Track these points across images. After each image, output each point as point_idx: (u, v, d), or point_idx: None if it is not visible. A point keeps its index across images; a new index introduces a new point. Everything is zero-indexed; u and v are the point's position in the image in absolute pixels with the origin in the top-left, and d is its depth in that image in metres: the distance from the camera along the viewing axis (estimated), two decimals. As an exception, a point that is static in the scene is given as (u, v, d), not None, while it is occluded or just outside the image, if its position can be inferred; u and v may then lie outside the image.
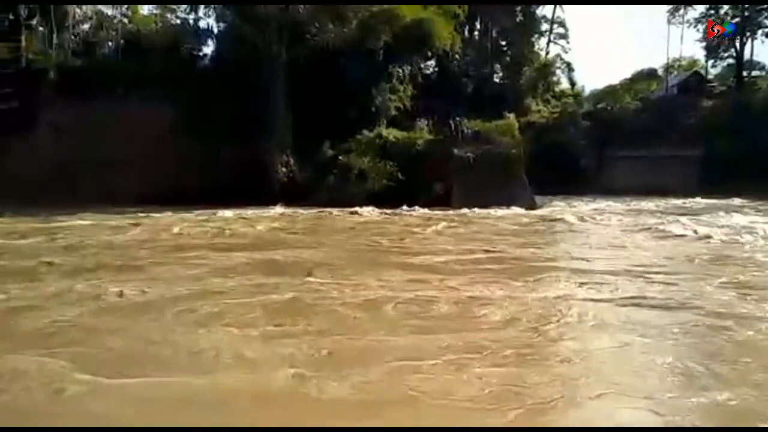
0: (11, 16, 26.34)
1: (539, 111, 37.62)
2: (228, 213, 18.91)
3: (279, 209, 21.08)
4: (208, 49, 28.51)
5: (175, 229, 14.30)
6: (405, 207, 21.21)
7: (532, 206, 22.49)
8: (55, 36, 27.20)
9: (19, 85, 24.92)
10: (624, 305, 6.08)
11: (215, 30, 27.99)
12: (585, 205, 24.41)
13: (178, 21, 28.78)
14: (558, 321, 5.49)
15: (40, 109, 25.07)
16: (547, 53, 41.44)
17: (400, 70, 29.05)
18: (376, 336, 5.04)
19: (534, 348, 4.75)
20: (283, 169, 25.01)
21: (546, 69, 40.50)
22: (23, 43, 25.75)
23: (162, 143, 23.94)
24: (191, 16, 28.37)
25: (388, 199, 22.79)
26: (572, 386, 3.88)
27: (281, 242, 12.28)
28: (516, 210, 20.95)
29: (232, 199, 22.03)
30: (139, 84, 25.24)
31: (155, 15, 29.46)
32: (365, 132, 26.47)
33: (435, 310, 5.83)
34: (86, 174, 23.93)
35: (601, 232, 14.60)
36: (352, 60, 26.24)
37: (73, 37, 28.30)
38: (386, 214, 19.69)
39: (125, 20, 29.57)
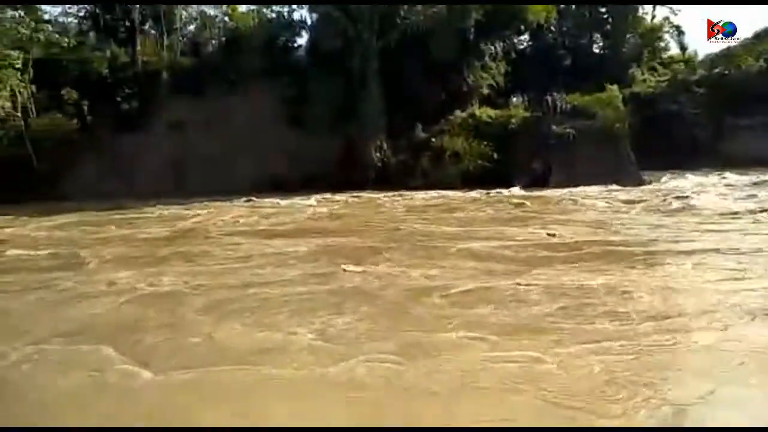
0: (127, 23, 29.08)
1: (645, 80, 35.36)
2: (329, 197, 20.06)
3: (371, 194, 21.87)
4: (302, 40, 29.79)
5: (276, 217, 15.57)
6: (500, 189, 21.03)
7: (639, 182, 21.58)
8: (165, 38, 29.75)
9: (138, 86, 27.55)
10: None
11: (308, 21, 29.13)
12: (703, 178, 22.80)
13: (274, 15, 30.26)
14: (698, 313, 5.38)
15: (155, 107, 27.57)
16: (653, 17, 38.66)
17: (492, 47, 28.67)
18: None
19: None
20: (377, 154, 25.76)
21: (652, 34, 37.91)
22: (138, 47, 28.36)
23: (265, 134, 25.56)
24: (285, 9, 29.74)
25: (483, 180, 22.92)
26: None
27: (369, 226, 12.93)
28: (622, 187, 20.18)
29: (331, 184, 23.31)
30: (241, 79, 27.10)
31: (252, 11, 31.19)
32: (458, 112, 26.58)
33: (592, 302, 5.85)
34: (197, 166, 26.10)
35: (725, 206, 13.63)
36: (441, 40, 26.31)
37: (181, 38, 30.79)
38: (485, 195, 19.79)
39: (226, 19, 31.70)
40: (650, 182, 22.06)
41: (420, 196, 20.16)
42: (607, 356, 4.35)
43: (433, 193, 21.03)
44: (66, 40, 26.73)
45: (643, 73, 35.98)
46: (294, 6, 29.58)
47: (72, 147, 25.47)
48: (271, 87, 26.94)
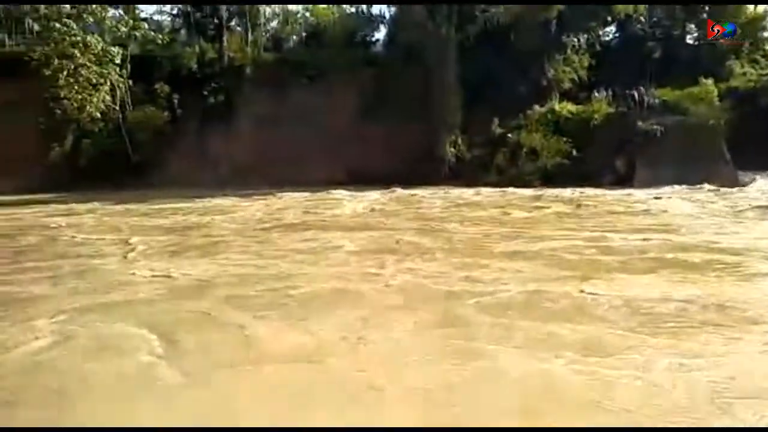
0: (216, 20, 30.69)
1: (745, 74, 33.00)
2: (396, 192, 20.35)
3: (441, 189, 21.99)
4: (381, 34, 30.28)
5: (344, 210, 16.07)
6: (581, 188, 20.48)
7: (734, 182, 20.30)
8: (249, 34, 31.16)
9: (223, 81, 29.07)
10: None
11: (387, 15, 29.56)
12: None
13: (353, 10, 30.93)
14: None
15: (239, 100, 29.01)
16: (756, 5, 35.91)
17: (576, 40, 27.84)
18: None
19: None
20: (452, 149, 25.78)
21: (754, 24, 35.26)
22: (225, 43, 29.89)
23: (342, 128, 26.29)
24: (364, 4, 30.33)
25: (562, 178, 22.44)
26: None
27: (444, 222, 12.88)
28: (715, 187, 19.11)
29: (405, 179, 23.65)
30: (321, 73, 27.98)
31: (332, 7, 32.05)
32: (536, 107, 26.08)
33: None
34: (277, 158, 27.22)
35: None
36: (522, 33, 25.87)
37: (264, 34, 32.16)
38: (563, 193, 19.36)
39: (307, 14, 32.79)
40: (747, 183, 20.72)
41: (486, 192, 20.20)
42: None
43: (509, 189, 20.92)
44: (160, 37, 28.67)
45: (742, 66, 33.58)
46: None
47: (163, 139, 27.37)
48: (349, 81, 27.62)
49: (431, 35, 26.01)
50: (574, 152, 23.77)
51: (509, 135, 25.45)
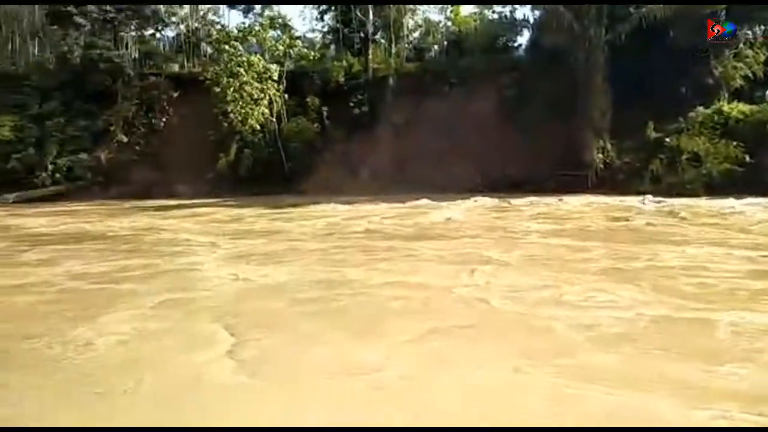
0: (362, 34, 32.51)
1: None
2: (540, 200, 19.86)
3: (592, 197, 20.99)
4: (523, 38, 29.90)
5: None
6: (756, 198, 18.34)
7: None
8: (393, 46, 32.54)
9: (368, 92, 30.68)
10: None
11: (530, 20, 29.11)
12: None
13: (495, 16, 30.94)
14: None
15: (382, 110, 30.43)
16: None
17: (750, 32, 25.03)
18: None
19: None
20: (599, 155, 24.60)
21: None
22: (370, 56, 31.53)
23: (483, 134, 26.40)
24: (507, 9, 30.17)
25: (732, 186, 20.31)
26: None
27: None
28: None
29: (547, 186, 23.09)
30: (461, 80, 28.38)
31: (474, 14, 32.35)
32: (700, 109, 23.96)
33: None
34: (417, 164, 28.06)
35: None
36: (682, 30, 23.90)
37: (407, 45, 33.38)
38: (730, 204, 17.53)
39: (449, 23, 33.47)
40: None
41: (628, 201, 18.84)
42: None
43: (669, 200, 19.40)
44: (312, 53, 31.06)
45: None
46: (516, 5, 29.81)
47: (313, 148, 29.61)
48: (490, 87, 27.70)
49: (578, 37, 25.12)
50: (747, 158, 21.42)
51: (667, 139, 23.66)
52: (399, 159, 28.96)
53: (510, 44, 30.18)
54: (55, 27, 32.43)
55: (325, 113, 30.33)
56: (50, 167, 28.89)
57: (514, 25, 29.83)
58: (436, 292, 6.76)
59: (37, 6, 34.15)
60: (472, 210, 18.07)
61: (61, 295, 7.14)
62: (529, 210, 17.42)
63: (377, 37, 33.26)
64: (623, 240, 11.01)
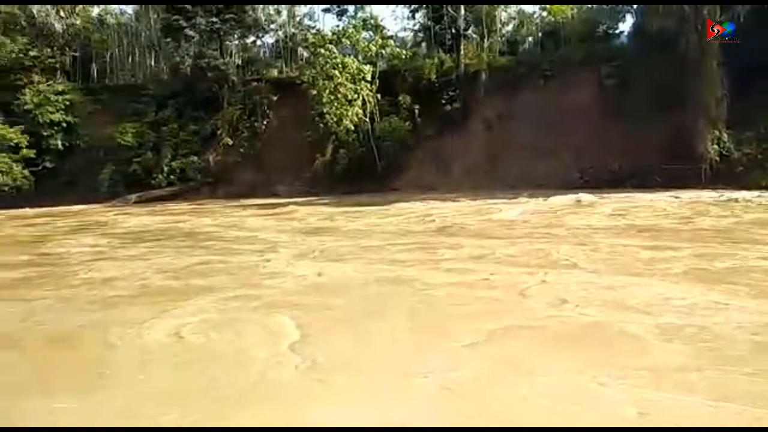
0: (453, 30, 32.35)
1: None
2: (642, 196, 18.74)
3: (705, 192, 19.50)
4: (625, 25, 28.33)
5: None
6: None
7: None
8: (485, 40, 32.11)
9: (459, 88, 30.51)
10: None
11: (634, 5, 27.50)
12: None
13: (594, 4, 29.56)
14: None
15: (474, 105, 30.16)
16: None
17: None
18: None
19: None
20: (715, 147, 22.79)
21: None
22: (462, 52, 31.32)
23: (583, 127, 25.39)
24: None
25: None
26: None
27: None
28: None
29: (657, 181, 21.78)
30: (557, 71, 27.45)
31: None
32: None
33: None
34: (510, 160, 27.54)
35: None
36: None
37: (499, 38, 32.79)
38: None
39: (543, 14, 32.46)
40: None
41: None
42: None
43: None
44: (404, 52, 31.38)
45: None
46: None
47: (404, 146, 29.95)
48: (588, 77, 26.61)
49: (689, 19, 23.37)
50: None
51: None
52: (492, 155, 28.59)
53: (611, 31, 28.70)
54: (169, 40, 35.25)
55: (416, 111, 30.56)
56: (165, 169, 31.52)
57: (615, 12, 28.31)
58: (505, 293, 6.61)
59: (153, 21, 37.31)
60: (567, 206, 17.49)
61: (143, 288, 7.79)
62: (628, 206, 16.54)
63: (469, 32, 32.93)
64: (728, 239, 10.13)
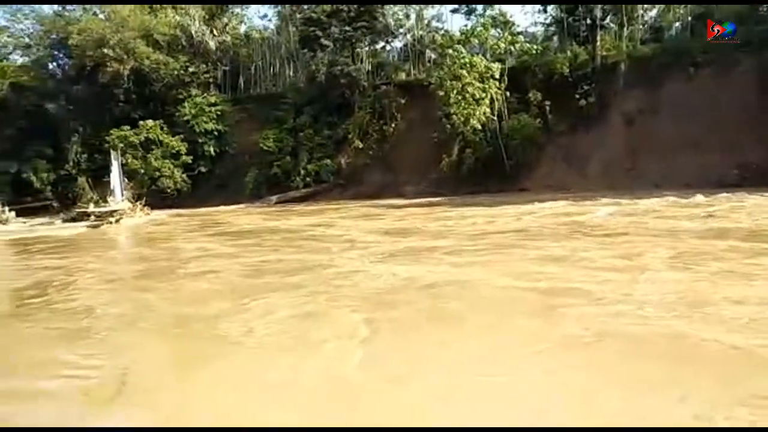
0: (588, 21, 30.66)
1: None
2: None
3: None
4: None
5: None
6: None
7: None
8: (625, 29, 30.02)
9: (595, 81, 28.84)
10: None
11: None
12: None
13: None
14: None
15: (611, 99, 28.35)
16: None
17: None
18: None
19: None
20: None
21: None
22: (598, 43, 29.58)
23: (741, 119, 22.87)
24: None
25: None
26: None
27: None
28: None
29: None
30: (710, 58, 24.88)
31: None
32: None
33: None
34: (653, 157, 25.45)
35: None
36: None
37: (641, 26, 30.46)
38: None
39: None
40: None
41: None
42: None
43: None
44: (534, 47, 30.40)
45: None
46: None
47: (534, 144, 29.00)
48: (750, 62, 23.72)
49: None
50: None
51: None
52: (631, 151, 26.70)
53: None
54: (305, 50, 37.60)
55: (547, 107, 29.46)
56: (302, 172, 33.69)
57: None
58: (587, 300, 6.22)
59: (291, 33, 40.05)
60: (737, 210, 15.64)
61: (230, 284, 8.60)
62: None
63: (606, 22, 31.02)
64: None
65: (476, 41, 30.18)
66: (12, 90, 39.10)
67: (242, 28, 43.85)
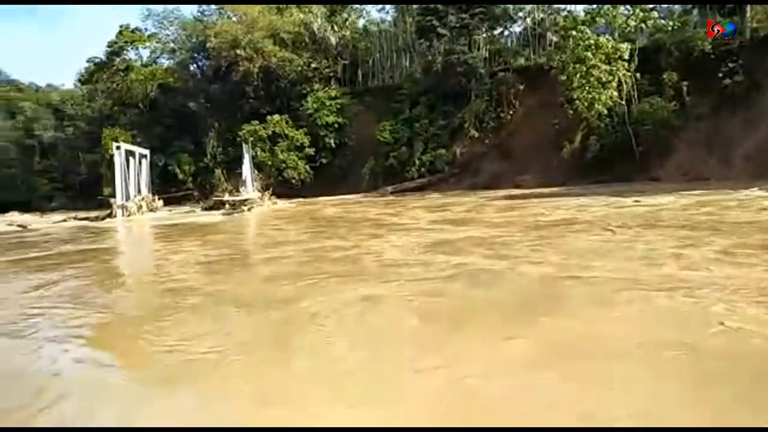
0: (737, -8, 27.42)
1: None
2: None
3: None
4: None
5: None
6: None
7: None
8: (783, -4, 26.48)
9: (744, 58, 25.78)
10: None
11: None
12: None
13: None
14: None
15: (763, 78, 25.19)
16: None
17: None
18: None
19: None
20: None
21: None
22: (748, 14, 26.37)
23: None
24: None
25: None
26: None
27: None
28: None
29: None
30: None
31: None
32: None
33: None
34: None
35: None
36: None
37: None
38: None
39: None
40: None
41: None
42: None
43: None
44: (670, 23, 27.83)
45: None
46: None
47: (668, 129, 26.62)
48: None
49: None
50: None
51: None
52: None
53: None
54: (422, 40, 37.63)
55: (684, 89, 26.88)
56: (417, 163, 33.94)
57: None
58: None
59: (408, 24, 40.30)
60: None
61: (295, 267, 9.25)
62: None
63: (760, -11, 27.54)
64: None
65: (602, 21, 28.26)
66: (160, 91, 43.65)
67: (360, 22, 44.92)
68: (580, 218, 13.79)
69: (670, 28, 27.68)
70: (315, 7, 40.26)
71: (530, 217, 14.67)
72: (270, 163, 36.49)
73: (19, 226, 25.61)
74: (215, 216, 24.49)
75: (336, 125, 37.60)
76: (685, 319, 5.05)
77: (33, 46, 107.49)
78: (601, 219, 13.21)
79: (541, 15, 36.80)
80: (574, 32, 27.58)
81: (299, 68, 38.91)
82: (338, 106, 37.95)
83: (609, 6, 28.07)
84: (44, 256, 13.05)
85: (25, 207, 40.93)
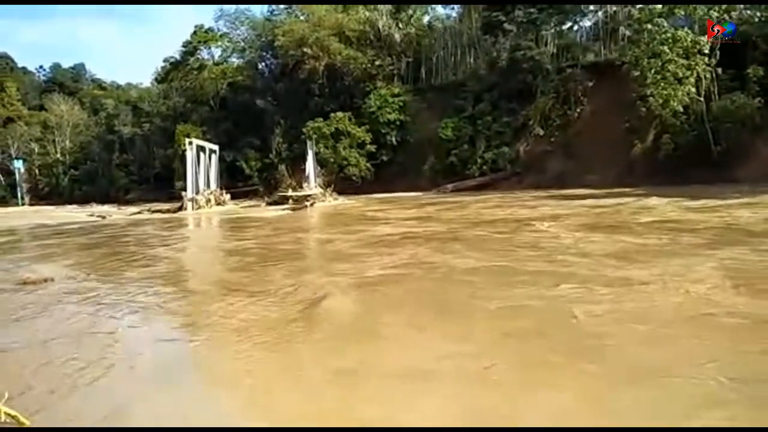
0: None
1: None
2: None
3: None
4: None
5: None
6: None
7: None
8: None
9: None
10: None
11: None
12: None
13: None
14: None
15: None
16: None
17: None
18: None
19: None
20: None
21: None
22: None
23: None
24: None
25: None
26: None
27: None
28: None
29: None
30: None
31: None
32: None
33: None
34: None
35: None
36: None
37: None
38: None
39: None
40: None
41: None
42: None
43: None
44: (758, 14, 25.99)
45: None
46: None
47: (752, 128, 24.89)
48: None
49: None
50: None
51: None
52: None
53: None
54: (487, 36, 37.04)
55: (773, 85, 25.03)
56: (479, 161, 33.47)
57: None
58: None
59: (474, 20, 39.80)
60: None
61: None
62: None
63: None
64: None
65: (681, 13, 26.72)
66: (230, 89, 45.34)
67: (425, 19, 44.77)
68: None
69: (757, 19, 25.81)
70: (381, 5, 40.52)
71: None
72: (332, 159, 37.08)
73: (98, 216, 27.38)
74: (279, 211, 25.16)
75: (398, 123, 37.69)
76: None
77: (115, 47, 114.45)
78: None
79: (614, 8, 35.31)
80: (649, 25, 26.24)
81: (363, 66, 39.29)
82: (401, 104, 38.02)
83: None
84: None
85: (104, 199, 43.69)
